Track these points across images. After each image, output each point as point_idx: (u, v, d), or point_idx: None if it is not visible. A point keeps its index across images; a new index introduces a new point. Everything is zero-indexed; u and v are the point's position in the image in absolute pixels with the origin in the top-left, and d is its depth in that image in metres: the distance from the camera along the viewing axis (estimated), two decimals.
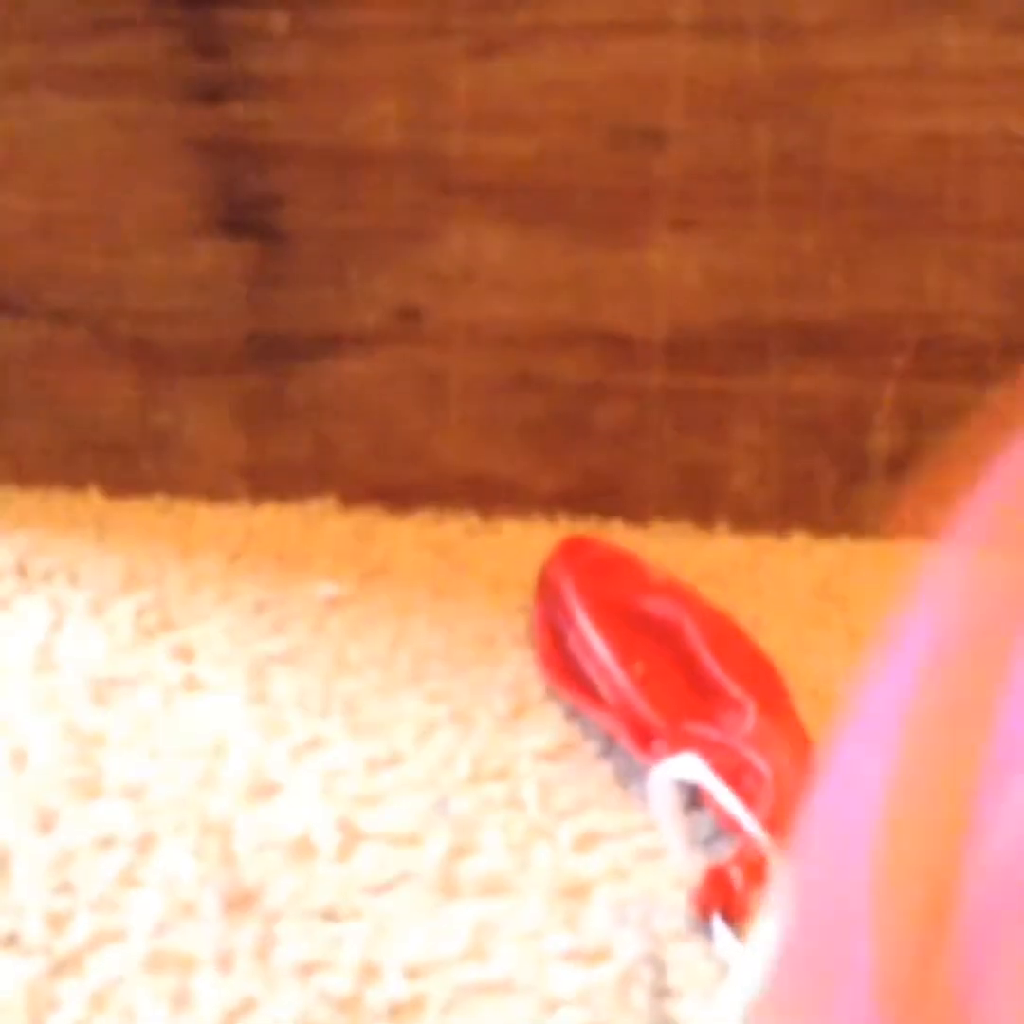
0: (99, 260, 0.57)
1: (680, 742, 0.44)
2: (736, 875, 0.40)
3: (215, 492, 0.59)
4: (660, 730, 0.46)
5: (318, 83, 0.55)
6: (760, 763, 0.44)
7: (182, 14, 0.54)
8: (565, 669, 0.50)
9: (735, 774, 0.44)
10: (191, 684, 0.50)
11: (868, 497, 0.58)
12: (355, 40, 0.55)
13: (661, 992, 0.39)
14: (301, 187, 0.56)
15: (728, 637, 0.50)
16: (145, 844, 0.43)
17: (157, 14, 0.54)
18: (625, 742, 0.46)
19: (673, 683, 0.48)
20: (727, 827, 0.43)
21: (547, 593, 0.53)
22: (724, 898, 0.40)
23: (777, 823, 0.42)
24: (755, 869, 0.40)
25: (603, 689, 0.49)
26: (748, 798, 0.43)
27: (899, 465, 0.57)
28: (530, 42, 0.54)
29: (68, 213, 0.56)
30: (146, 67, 0.55)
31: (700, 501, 0.59)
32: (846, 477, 0.58)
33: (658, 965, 0.39)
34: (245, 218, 0.56)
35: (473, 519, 0.59)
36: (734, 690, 0.48)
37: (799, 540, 0.59)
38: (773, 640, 0.51)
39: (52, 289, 0.58)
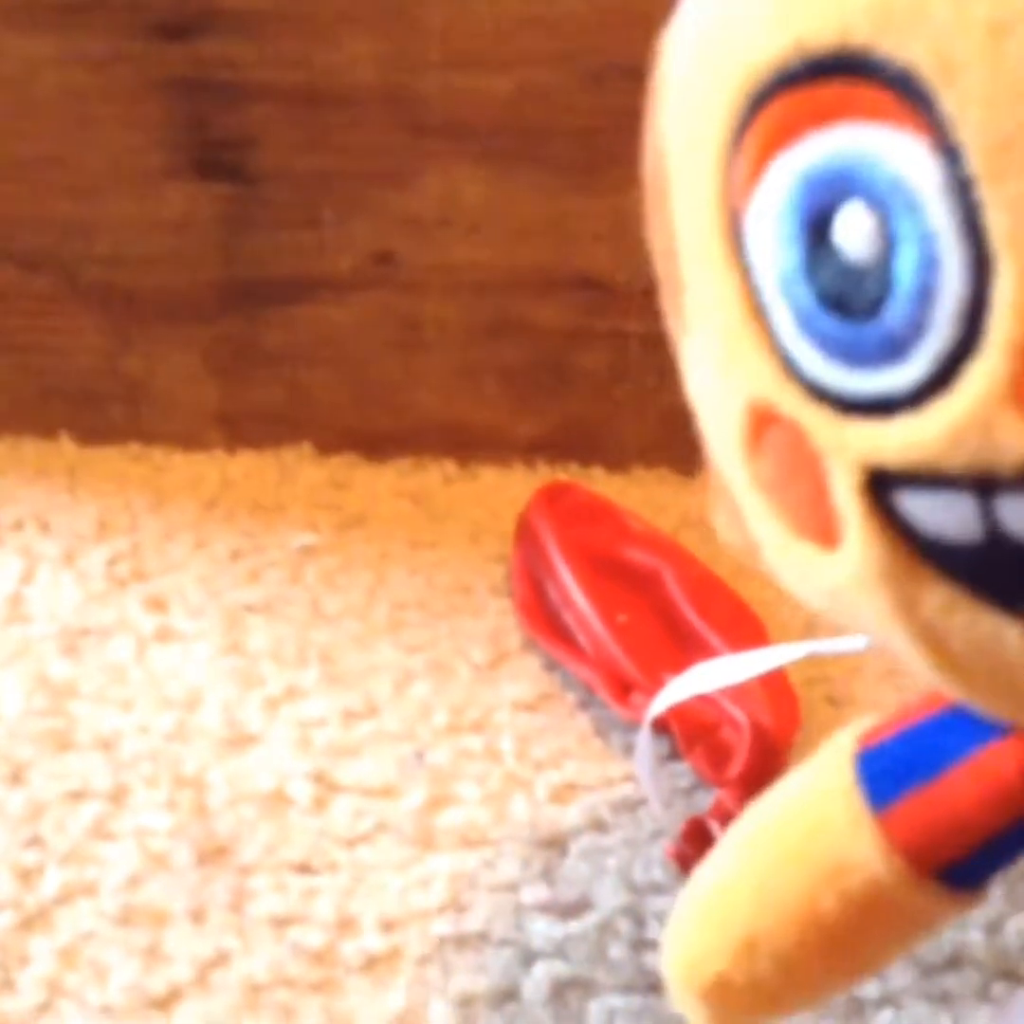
0: (66, 203, 0.56)
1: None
2: (715, 826, 0.40)
3: (189, 440, 0.58)
4: (638, 682, 0.45)
5: (289, 19, 0.53)
6: (739, 714, 0.43)
7: None
8: (544, 619, 0.50)
9: (713, 725, 0.44)
10: (164, 634, 0.49)
11: None
12: None
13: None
14: (273, 127, 0.55)
15: (708, 587, 0.50)
16: (117, 797, 0.43)
17: None
18: (603, 694, 0.46)
19: (652, 633, 0.48)
20: (707, 778, 0.43)
21: (526, 541, 0.52)
22: (704, 849, 0.40)
23: (755, 773, 0.41)
24: (734, 820, 0.40)
25: (582, 640, 0.48)
26: (726, 749, 0.43)
27: None
28: None
29: (33, 155, 0.55)
30: (110, 2, 0.53)
31: (681, 448, 0.58)
32: None
33: (636, 917, 0.39)
34: (216, 159, 0.55)
35: (451, 467, 0.59)
36: (714, 640, 0.47)
37: None
38: (754, 589, 0.51)
39: (19, 234, 0.57)
